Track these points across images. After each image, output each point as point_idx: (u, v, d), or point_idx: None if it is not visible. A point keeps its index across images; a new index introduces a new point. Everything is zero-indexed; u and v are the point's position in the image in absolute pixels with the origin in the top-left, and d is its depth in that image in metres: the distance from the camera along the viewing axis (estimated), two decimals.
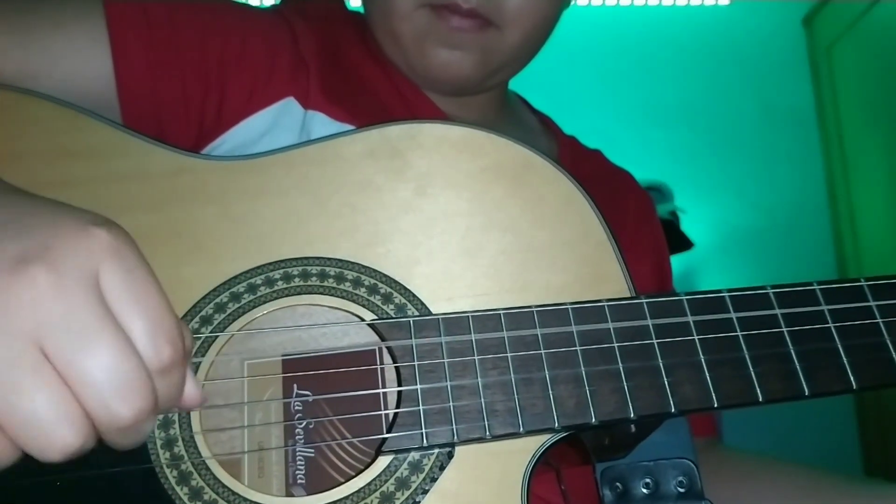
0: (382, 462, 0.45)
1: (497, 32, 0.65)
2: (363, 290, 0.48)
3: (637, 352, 0.46)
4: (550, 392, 0.45)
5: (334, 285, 0.48)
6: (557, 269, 0.50)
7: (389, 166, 0.51)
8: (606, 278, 0.50)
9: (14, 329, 0.32)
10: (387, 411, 0.47)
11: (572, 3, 0.73)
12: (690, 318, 0.47)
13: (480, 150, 0.52)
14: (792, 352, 0.47)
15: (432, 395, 0.45)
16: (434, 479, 0.45)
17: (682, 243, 2.12)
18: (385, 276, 0.49)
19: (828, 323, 0.48)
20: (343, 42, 0.71)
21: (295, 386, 0.48)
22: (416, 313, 0.48)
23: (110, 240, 0.35)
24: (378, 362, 0.49)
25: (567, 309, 0.47)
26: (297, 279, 0.48)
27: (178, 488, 0.43)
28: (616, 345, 0.46)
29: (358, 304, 0.48)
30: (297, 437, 0.48)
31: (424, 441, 0.44)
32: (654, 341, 0.46)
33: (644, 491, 0.47)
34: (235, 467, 0.46)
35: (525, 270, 0.49)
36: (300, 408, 0.48)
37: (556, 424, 0.44)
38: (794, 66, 2.80)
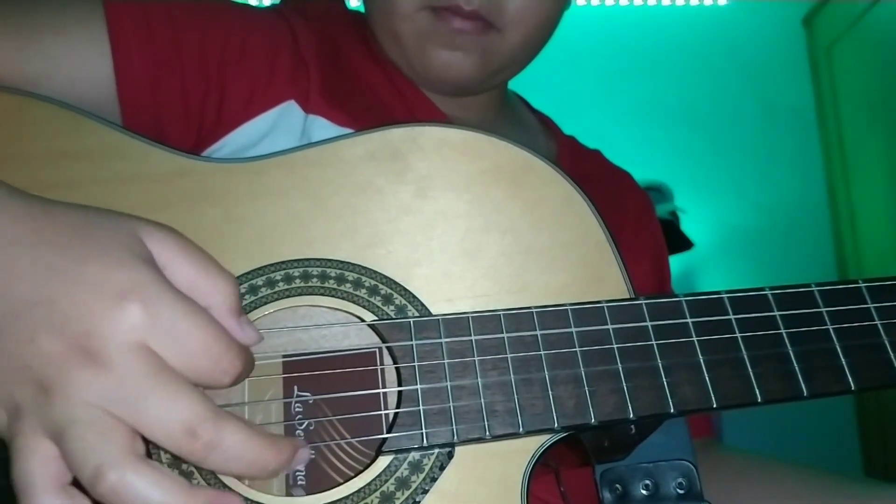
0: (382, 462, 0.45)
1: (498, 34, 0.66)
2: (364, 291, 0.48)
3: (636, 352, 0.46)
4: (550, 392, 0.45)
5: (335, 286, 0.48)
6: (557, 271, 0.50)
7: (390, 168, 0.51)
8: (605, 279, 0.50)
9: (81, 402, 0.35)
10: (387, 411, 0.47)
11: (572, 3, 0.73)
12: (689, 320, 0.47)
13: (480, 153, 0.52)
14: (790, 353, 0.47)
15: (432, 395, 0.45)
16: (434, 479, 0.45)
17: (682, 243, 2.12)
18: (385, 277, 0.49)
19: (826, 324, 0.48)
20: (343, 42, 0.71)
21: (295, 387, 0.49)
22: (417, 314, 0.48)
23: (144, 311, 0.36)
24: (378, 363, 0.49)
25: (566, 310, 0.47)
26: (297, 280, 0.48)
27: None
28: (615, 346, 0.46)
29: (358, 305, 0.48)
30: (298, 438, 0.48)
31: (424, 441, 0.44)
32: (654, 342, 0.47)
33: (643, 492, 0.47)
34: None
35: (524, 272, 0.50)
36: (300, 408, 0.48)
37: (556, 425, 0.45)
38: (794, 66, 2.81)
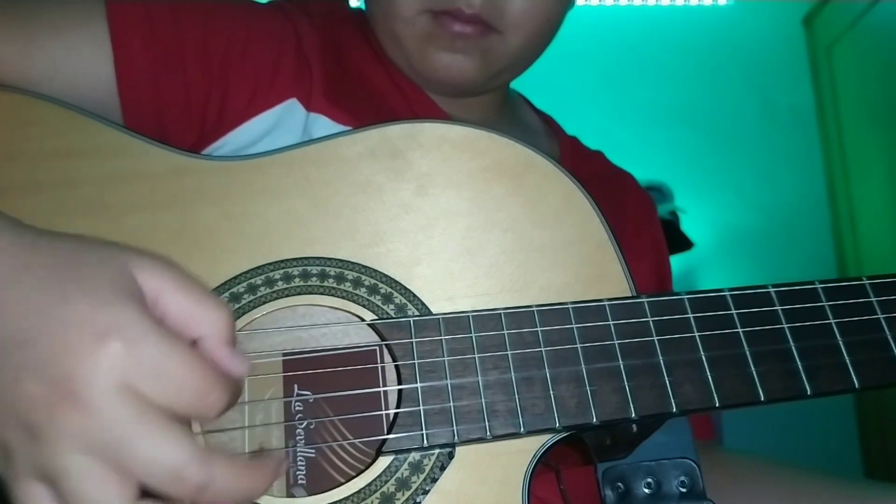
0: (383, 462, 0.45)
1: (499, 37, 0.65)
2: (363, 290, 0.48)
3: (638, 351, 0.46)
4: (551, 392, 0.45)
5: (334, 285, 0.48)
6: (558, 269, 0.50)
7: (390, 166, 0.51)
8: (607, 278, 0.50)
9: (68, 451, 0.34)
10: (387, 411, 0.47)
11: (574, 3, 0.73)
12: (691, 317, 0.47)
13: (481, 150, 0.52)
14: (794, 350, 0.47)
15: (433, 394, 0.45)
16: (434, 480, 0.45)
17: (682, 243, 2.12)
18: (385, 276, 0.49)
19: (830, 322, 0.48)
20: (346, 41, 0.70)
21: (295, 386, 0.48)
22: (417, 313, 0.48)
23: (125, 351, 0.35)
24: (378, 362, 0.49)
25: (568, 308, 0.47)
26: (297, 279, 0.48)
27: None
28: (617, 343, 0.46)
29: (358, 304, 0.48)
30: (298, 438, 0.48)
31: (425, 441, 0.44)
32: (655, 339, 0.46)
33: (646, 491, 0.47)
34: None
35: (526, 270, 0.49)
36: (301, 408, 0.48)
37: (557, 424, 0.44)
38: (794, 65, 2.81)
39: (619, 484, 0.47)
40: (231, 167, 0.51)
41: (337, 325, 0.50)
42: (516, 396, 0.45)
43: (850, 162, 2.62)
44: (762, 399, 0.45)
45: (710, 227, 2.55)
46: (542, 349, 0.46)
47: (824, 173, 2.73)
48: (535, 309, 0.47)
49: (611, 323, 0.47)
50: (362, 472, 0.45)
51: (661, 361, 0.46)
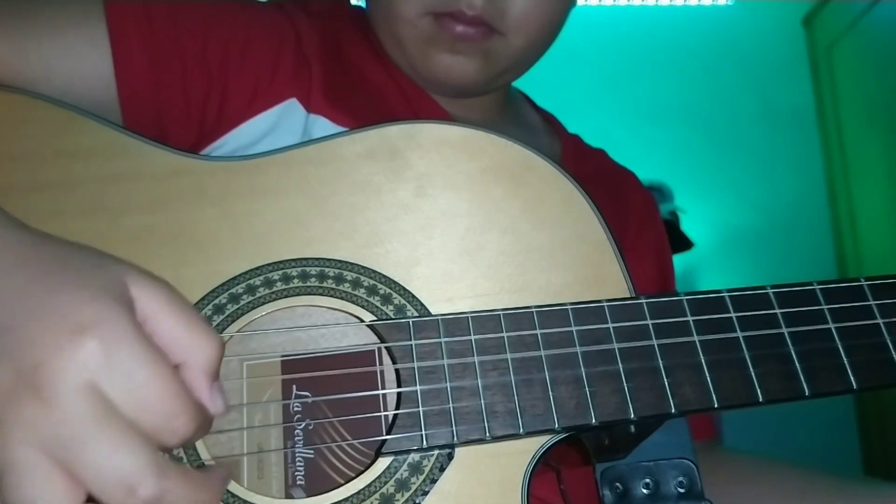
0: (382, 463, 0.45)
1: (501, 38, 0.65)
2: (362, 290, 0.48)
3: (637, 352, 0.46)
4: (550, 393, 0.45)
5: (333, 286, 0.48)
6: (557, 270, 0.50)
7: (389, 167, 0.51)
8: (606, 279, 0.50)
9: (19, 443, 0.33)
10: (386, 412, 0.47)
11: (575, 3, 0.73)
12: (690, 319, 0.47)
13: (480, 151, 0.52)
14: (792, 352, 0.47)
15: (432, 396, 0.45)
16: (434, 481, 0.45)
17: (682, 243, 2.12)
18: (384, 276, 0.49)
19: (828, 323, 0.48)
20: (346, 40, 0.70)
21: (294, 387, 0.48)
22: (416, 314, 0.48)
23: (100, 350, 0.34)
24: (377, 363, 0.49)
25: (567, 309, 0.47)
26: (296, 280, 0.48)
27: None
28: (616, 345, 0.46)
29: (357, 304, 0.48)
30: (297, 439, 0.48)
31: (424, 442, 0.44)
32: (654, 342, 0.46)
33: (644, 491, 0.47)
34: (234, 469, 0.46)
35: (525, 271, 0.49)
36: (299, 409, 0.48)
37: (557, 425, 0.44)
38: (794, 65, 2.81)
39: (618, 484, 0.47)
40: (230, 167, 0.51)
41: (336, 326, 0.50)
42: (515, 397, 0.45)
43: (850, 162, 2.62)
44: (761, 400, 0.45)
45: (710, 227, 2.55)
46: (542, 351, 0.46)
47: (824, 173, 2.73)
48: (534, 310, 0.47)
49: (610, 325, 0.47)
50: (361, 473, 0.45)
51: (660, 362, 0.46)
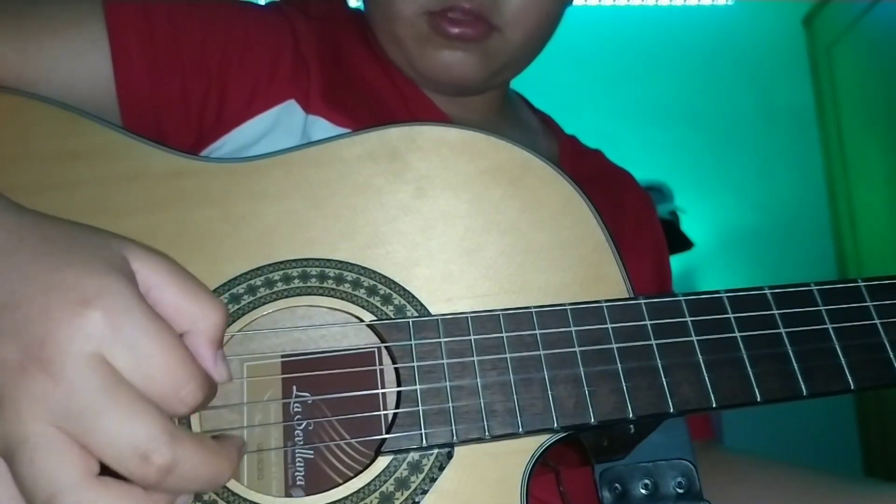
0: (382, 462, 0.45)
1: (499, 34, 0.65)
2: (362, 291, 0.48)
3: (636, 352, 0.46)
4: (549, 392, 0.45)
5: (334, 286, 0.48)
6: (556, 271, 0.50)
7: (389, 168, 0.51)
8: (605, 279, 0.50)
9: (30, 419, 0.33)
10: (386, 412, 0.47)
11: (572, 2, 0.73)
12: (689, 319, 0.47)
13: (479, 152, 0.52)
14: (790, 352, 0.47)
15: (431, 395, 0.45)
16: (433, 480, 0.45)
17: (682, 243, 2.12)
18: (384, 277, 0.49)
19: (825, 323, 0.48)
20: (344, 42, 0.71)
21: (294, 387, 0.49)
22: (416, 314, 0.48)
23: (105, 321, 0.34)
24: (377, 363, 0.49)
25: (566, 310, 0.47)
26: (296, 280, 0.48)
27: None
28: (615, 345, 0.46)
29: (357, 305, 0.48)
30: (297, 438, 0.48)
31: (424, 441, 0.44)
32: (653, 342, 0.47)
33: (643, 492, 0.47)
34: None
35: (524, 271, 0.50)
36: (299, 409, 0.48)
37: (556, 425, 0.44)
38: (794, 65, 2.81)
39: (617, 485, 0.47)
40: (231, 169, 0.51)
41: (336, 326, 0.50)
42: (515, 397, 0.45)
43: (850, 162, 2.62)
44: (759, 400, 0.45)
45: (709, 226, 2.55)
46: (541, 351, 0.46)
47: (824, 173, 2.74)
48: (533, 310, 0.47)
49: (609, 325, 0.47)
50: (361, 472, 0.45)
51: (659, 362, 0.46)
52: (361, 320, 0.48)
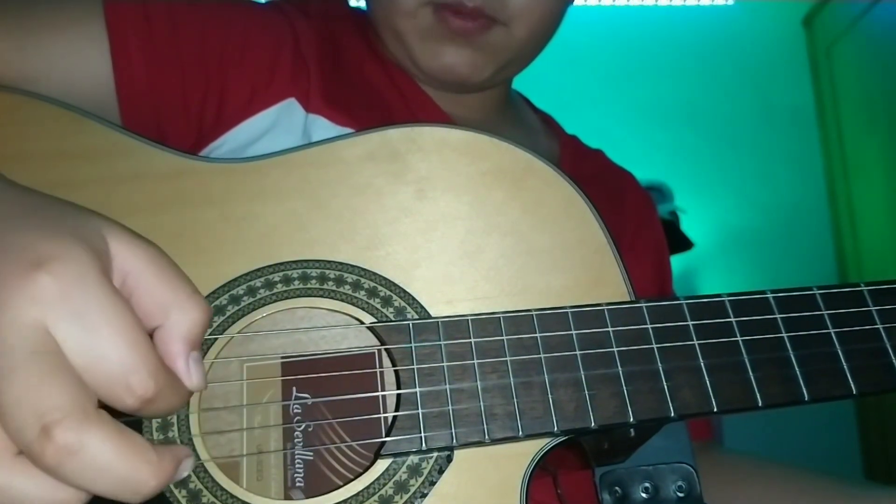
0: (381, 465, 0.45)
1: (503, 29, 0.65)
2: (363, 292, 0.48)
3: (637, 356, 0.46)
4: (550, 396, 0.45)
5: (334, 288, 0.48)
6: (557, 273, 0.50)
7: (389, 169, 0.51)
8: (606, 282, 0.50)
9: None
10: (386, 414, 0.47)
11: (573, 1, 0.73)
12: (690, 323, 0.47)
13: (481, 154, 0.52)
14: (792, 357, 0.47)
15: (431, 398, 0.45)
16: (433, 483, 0.45)
17: (682, 243, 2.12)
18: (385, 279, 0.49)
19: (828, 328, 0.48)
20: (344, 40, 0.70)
21: (294, 389, 0.48)
22: (416, 316, 0.48)
23: (54, 286, 0.31)
24: (377, 365, 0.49)
25: (567, 313, 0.47)
26: (296, 282, 0.48)
27: (176, 491, 0.43)
28: (615, 349, 0.46)
29: (357, 306, 0.48)
30: (296, 440, 0.48)
31: (423, 444, 0.44)
32: (654, 345, 0.46)
33: (643, 495, 0.47)
34: (234, 470, 0.46)
35: (525, 274, 0.49)
36: (299, 410, 0.48)
37: (556, 428, 0.44)
38: (794, 66, 2.81)
39: (617, 488, 0.47)
40: (231, 169, 0.51)
41: (336, 328, 0.50)
42: (515, 400, 0.45)
43: (850, 162, 2.62)
44: (760, 404, 0.45)
45: (710, 227, 2.55)
46: (541, 354, 0.46)
47: (824, 173, 2.74)
48: (534, 313, 0.47)
49: (609, 329, 0.47)
50: (361, 474, 0.45)
51: (660, 366, 0.46)
52: (362, 322, 0.48)
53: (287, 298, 0.48)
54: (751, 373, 0.46)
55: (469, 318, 0.47)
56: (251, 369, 0.48)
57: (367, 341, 0.49)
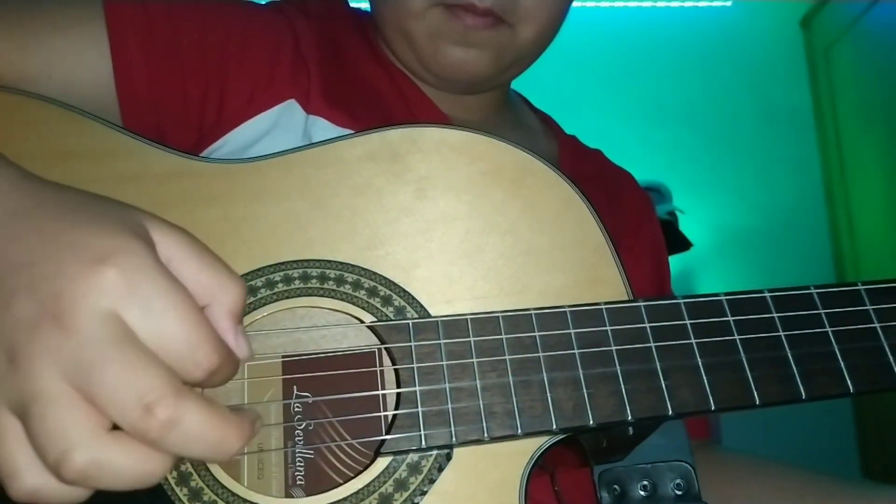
0: (381, 463, 0.45)
1: (510, 30, 0.65)
2: (363, 292, 0.48)
3: (635, 355, 0.46)
4: (548, 394, 0.45)
5: (334, 287, 0.48)
6: (556, 273, 0.50)
7: (389, 169, 0.51)
8: (604, 281, 0.50)
9: (42, 374, 0.33)
10: (386, 413, 0.47)
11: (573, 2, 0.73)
12: (688, 322, 0.47)
13: (480, 154, 0.52)
14: (789, 355, 0.47)
15: (431, 396, 0.45)
16: (432, 481, 0.45)
17: (680, 244, 2.12)
18: (385, 278, 0.49)
19: (825, 327, 0.48)
20: (345, 41, 0.71)
21: (295, 387, 0.49)
22: (416, 316, 0.48)
23: (120, 278, 0.34)
24: (377, 364, 0.49)
25: (565, 312, 0.47)
26: (297, 281, 0.48)
27: (177, 489, 0.44)
28: (614, 348, 0.46)
29: (358, 306, 0.48)
30: (297, 439, 0.48)
31: (423, 443, 0.44)
32: (652, 344, 0.47)
33: (642, 493, 0.47)
34: (235, 468, 0.47)
35: (524, 273, 0.50)
36: (300, 409, 0.48)
37: (554, 426, 0.45)
38: (793, 67, 2.81)
39: (615, 486, 0.48)
40: (232, 169, 0.51)
41: (336, 327, 0.50)
42: (514, 399, 0.45)
43: (848, 163, 2.62)
44: (757, 403, 0.45)
45: (708, 227, 2.55)
46: (540, 353, 0.46)
47: (822, 174, 2.74)
48: (532, 312, 0.47)
49: (608, 327, 0.47)
50: (361, 472, 0.45)
51: (658, 365, 0.46)
52: (362, 321, 0.48)
53: (288, 298, 0.48)
54: (748, 371, 0.46)
55: (468, 317, 0.47)
56: (252, 368, 0.49)
57: (367, 340, 0.49)
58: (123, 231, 0.35)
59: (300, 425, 0.48)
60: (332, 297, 0.48)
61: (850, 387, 0.46)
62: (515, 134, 0.78)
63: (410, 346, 0.46)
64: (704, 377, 0.46)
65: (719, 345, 0.47)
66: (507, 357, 0.46)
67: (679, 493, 0.47)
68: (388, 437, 0.44)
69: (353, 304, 0.48)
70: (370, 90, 0.69)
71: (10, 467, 0.33)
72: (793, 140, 2.73)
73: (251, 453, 0.47)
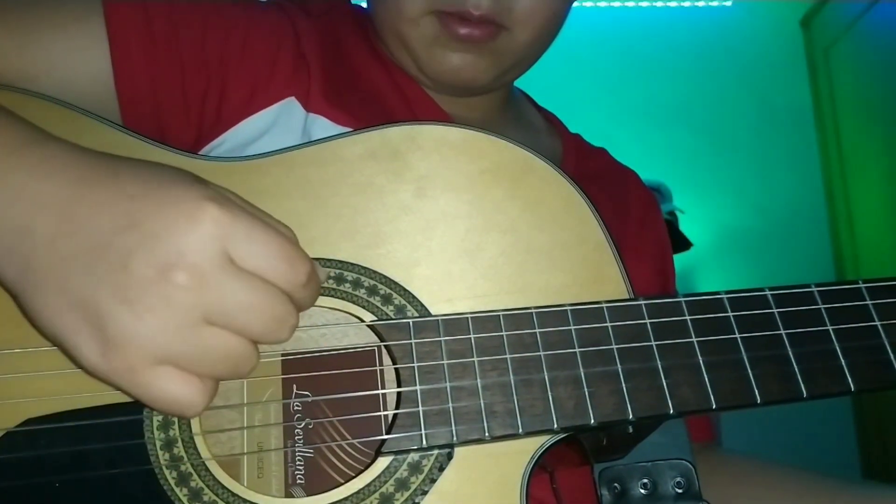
0: (382, 463, 0.45)
1: (507, 34, 0.65)
2: (363, 291, 0.48)
3: (636, 353, 0.46)
4: (549, 393, 0.45)
5: (334, 286, 0.48)
6: (557, 271, 0.50)
7: (389, 168, 0.51)
8: (605, 280, 0.50)
9: (185, 319, 0.38)
10: (386, 412, 0.47)
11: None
12: (689, 320, 0.47)
13: (480, 152, 0.52)
14: (790, 354, 0.47)
15: (431, 396, 0.45)
16: (433, 480, 0.45)
17: (680, 244, 2.12)
18: (385, 277, 0.49)
19: (826, 325, 0.48)
20: (345, 39, 0.70)
21: (294, 387, 0.49)
22: (416, 314, 0.48)
23: (222, 215, 0.38)
24: (377, 363, 0.49)
25: (566, 310, 0.47)
26: None
27: (177, 489, 0.43)
28: (615, 346, 0.46)
29: (358, 305, 0.48)
30: (297, 438, 0.48)
31: (424, 442, 0.44)
32: (653, 343, 0.47)
33: (642, 491, 0.47)
34: (235, 468, 0.46)
35: (524, 272, 0.50)
36: (300, 408, 0.48)
37: (555, 426, 0.45)
38: (793, 66, 2.82)
39: (616, 484, 0.47)
40: (232, 168, 0.51)
41: (336, 326, 0.50)
42: (515, 398, 0.45)
43: (848, 163, 2.62)
44: (758, 401, 0.45)
45: (708, 227, 2.56)
46: (541, 351, 0.46)
47: (822, 174, 2.74)
48: (533, 311, 0.47)
49: (608, 325, 0.47)
50: (361, 472, 0.45)
51: (659, 363, 0.46)
52: (362, 320, 0.48)
53: None
54: (749, 370, 0.46)
55: (469, 315, 0.47)
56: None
57: (367, 339, 0.49)
58: (196, 182, 0.40)
59: (300, 424, 0.48)
60: (332, 296, 0.48)
61: (852, 385, 0.46)
62: (518, 132, 0.77)
63: (411, 344, 0.46)
64: (705, 375, 0.46)
65: (720, 343, 0.47)
66: (507, 356, 0.46)
67: (679, 491, 0.47)
68: (388, 436, 0.44)
69: (353, 302, 0.48)
70: (371, 89, 0.69)
71: (181, 405, 0.39)
72: (793, 140, 2.73)
73: (251, 452, 0.47)
